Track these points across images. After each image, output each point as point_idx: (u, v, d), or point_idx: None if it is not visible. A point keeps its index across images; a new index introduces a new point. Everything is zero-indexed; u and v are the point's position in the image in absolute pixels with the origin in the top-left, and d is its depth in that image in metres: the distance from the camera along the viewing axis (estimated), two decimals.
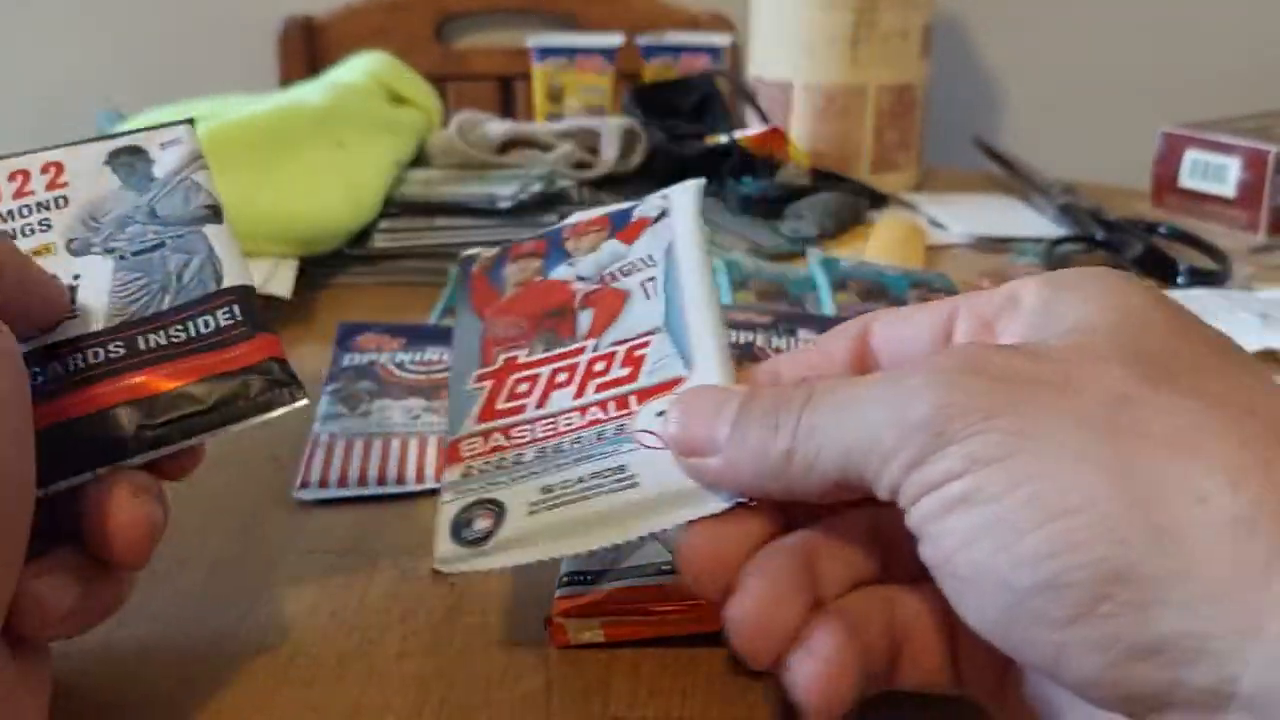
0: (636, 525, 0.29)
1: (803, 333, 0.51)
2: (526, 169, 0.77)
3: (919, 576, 0.28)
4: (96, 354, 0.31)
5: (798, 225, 0.75)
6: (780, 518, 0.29)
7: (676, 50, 1.11)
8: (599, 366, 0.34)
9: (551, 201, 0.71)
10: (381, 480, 0.43)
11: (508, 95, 1.43)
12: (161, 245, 0.34)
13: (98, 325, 0.32)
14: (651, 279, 0.36)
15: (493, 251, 0.40)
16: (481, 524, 0.31)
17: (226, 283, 0.33)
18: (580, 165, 0.82)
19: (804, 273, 0.62)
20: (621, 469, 0.30)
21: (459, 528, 0.31)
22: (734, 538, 0.28)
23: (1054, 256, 0.71)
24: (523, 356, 0.36)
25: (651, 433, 0.31)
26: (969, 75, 1.47)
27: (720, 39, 1.12)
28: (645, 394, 0.32)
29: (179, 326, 0.32)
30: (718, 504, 0.28)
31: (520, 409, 0.34)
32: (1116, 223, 0.76)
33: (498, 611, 0.36)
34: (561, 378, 0.34)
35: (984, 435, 0.23)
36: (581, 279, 0.37)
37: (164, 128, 0.38)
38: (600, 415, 0.32)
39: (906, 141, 0.92)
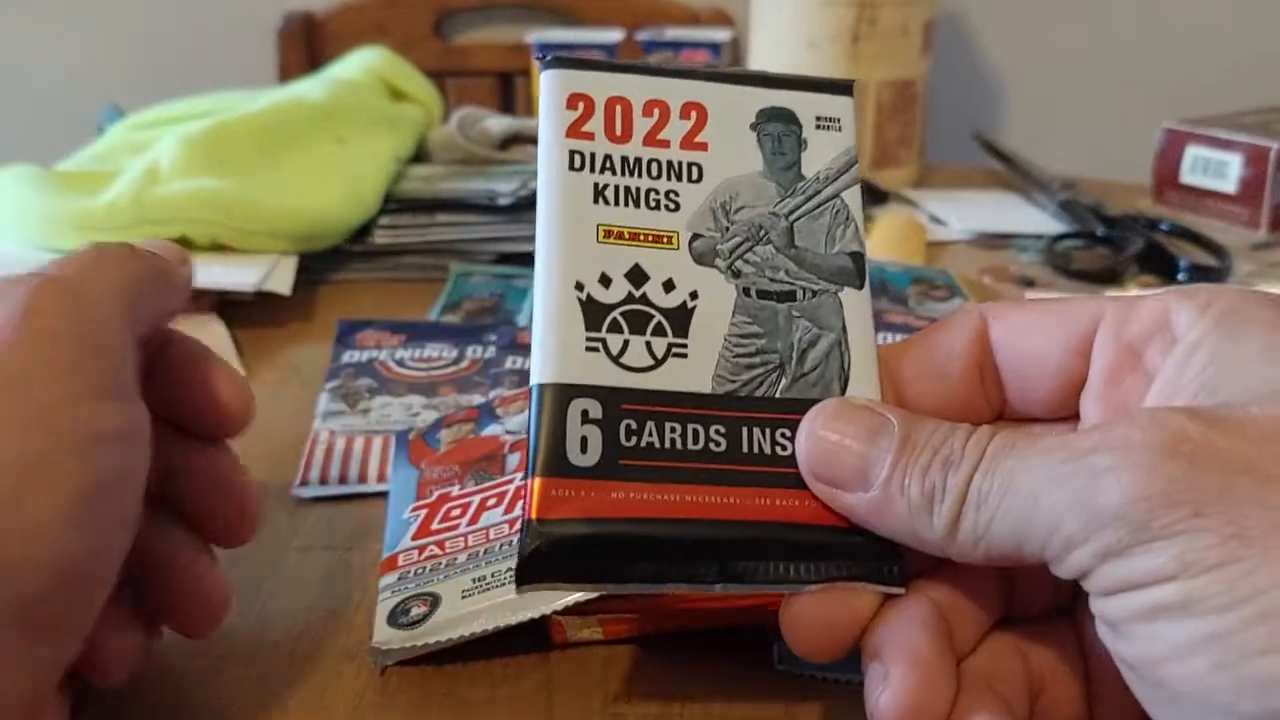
0: (565, 596, 0.30)
1: None
2: (527, 165, 0.77)
3: (1049, 613, 0.27)
4: (696, 436, 0.24)
5: None
6: None
7: (677, 46, 1.11)
8: (523, 492, 0.31)
9: None
10: (382, 478, 0.43)
11: (508, 91, 1.43)
12: (792, 296, 0.27)
13: (703, 384, 0.25)
14: None
15: (426, 424, 0.43)
16: (417, 610, 0.32)
17: (851, 391, 0.26)
18: None
19: None
20: None
21: (395, 615, 0.32)
22: (845, 600, 0.25)
23: (1054, 253, 0.71)
24: (455, 491, 0.37)
25: None
26: (970, 71, 1.47)
27: (721, 34, 1.12)
28: None
29: (787, 431, 0.25)
30: None
31: (454, 526, 0.35)
32: (1117, 219, 0.76)
33: None
34: (491, 502, 0.35)
35: (1194, 535, 0.20)
36: (510, 432, 0.39)
37: (824, 90, 0.29)
38: None
39: (907, 138, 0.92)
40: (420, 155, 0.81)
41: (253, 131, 0.70)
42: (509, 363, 0.49)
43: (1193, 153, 0.80)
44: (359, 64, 0.86)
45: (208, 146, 0.67)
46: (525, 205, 0.69)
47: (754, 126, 0.28)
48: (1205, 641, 0.20)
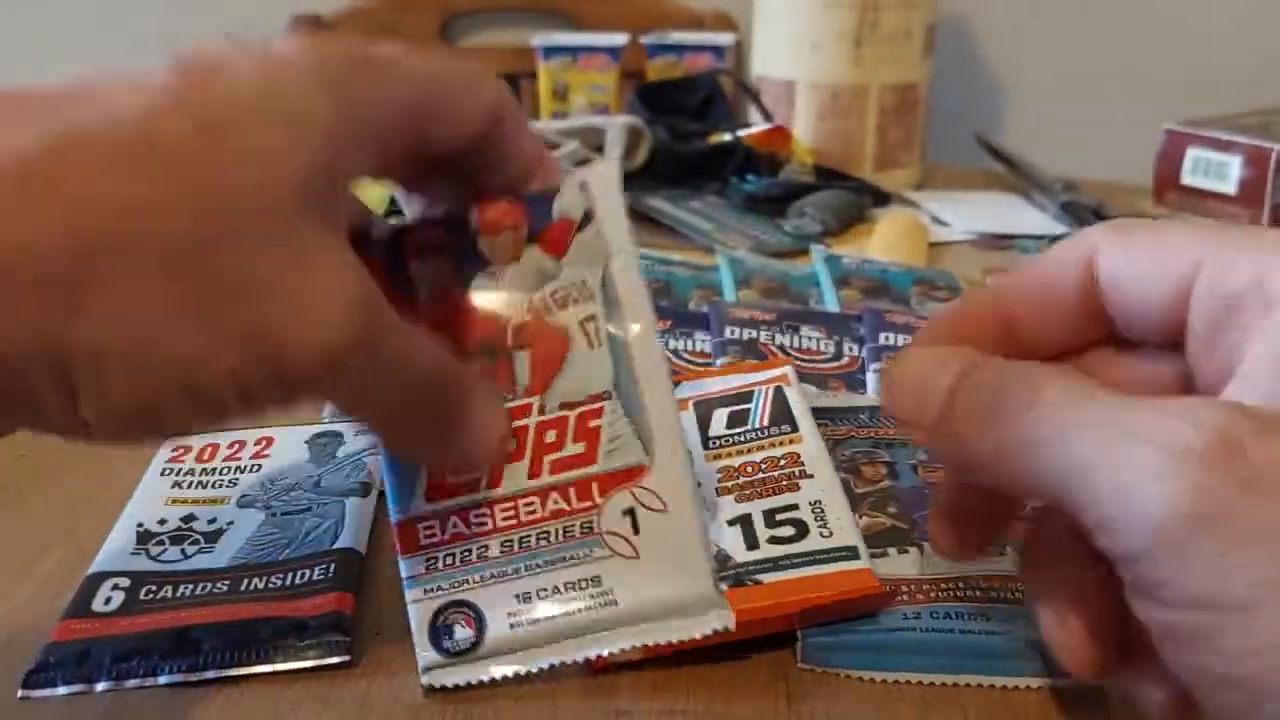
0: (620, 639, 0.30)
1: (806, 330, 0.52)
2: None
3: None
4: (205, 588, 0.35)
5: (801, 223, 0.75)
6: None
7: (680, 49, 1.12)
8: (550, 437, 0.31)
9: None
10: None
11: (513, 93, 1.44)
12: (308, 509, 0.39)
13: (223, 564, 0.37)
14: (592, 318, 0.31)
15: (383, 223, 0.32)
16: (463, 632, 0.31)
17: (337, 545, 0.37)
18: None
19: (807, 270, 0.63)
20: (598, 581, 0.31)
21: (438, 633, 0.31)
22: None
23: None
24: None
25: (622, 537, 0.31)
26: (971, 73, 1.48)
27: (724, 38, 1.13)
28: (607, 483, 0.31)
29: (280, 575, 0.36)
30: (708, 626, 0.30)
31: (475, 485, 0.31)
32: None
33: None
34: (512, 446, 0.31)
35: (1226, 572, 0.19)
36: (509, 301, 0.31)
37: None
38: (563, 505, 0.31)
39: (909, 139, 0.92)
40: None
41: None
42: None
43: (1193, 154, 0.80)
44: None
45: None
46: None
47: (307, 442, 0.44)
48: (1220, 681, 0.20)
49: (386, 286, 0.26)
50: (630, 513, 0.30)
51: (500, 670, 0.31)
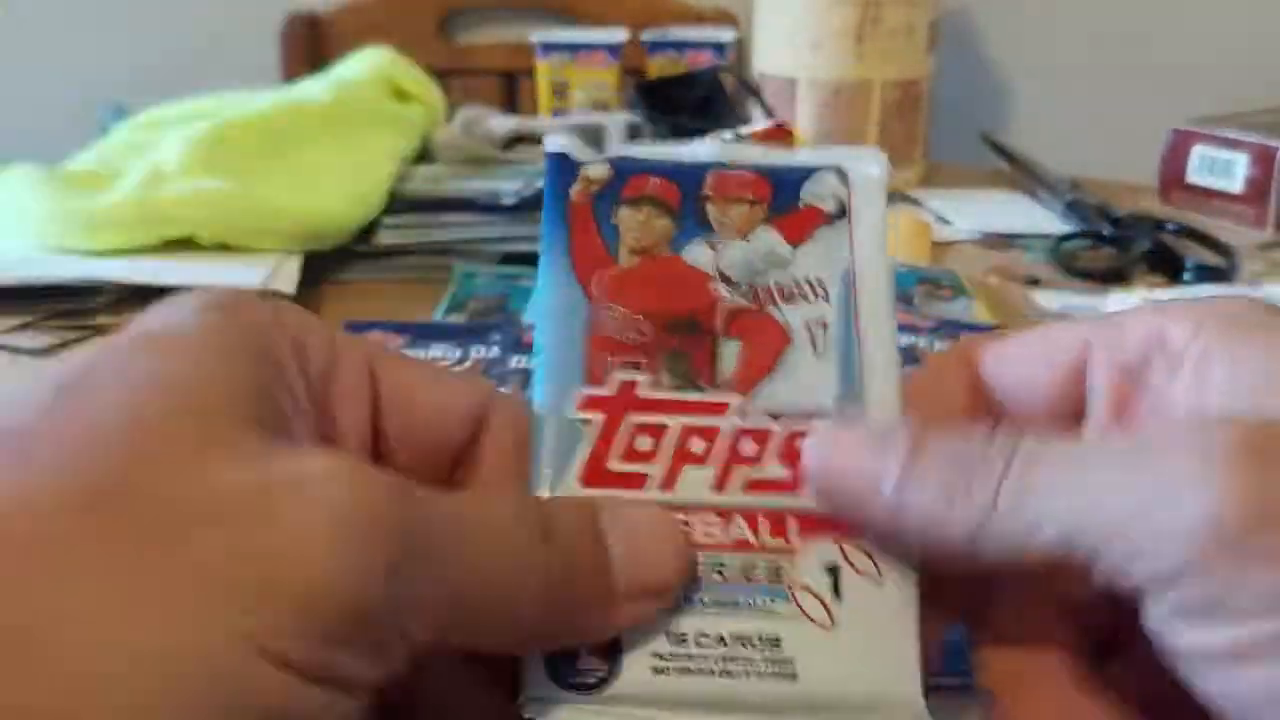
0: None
1: None
2: (531, 165, 0.77)
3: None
4: None
5: None
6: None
7: (681, 46, 1.11)
8: (747, 449, 0.25)
9: None
10: None
11: (512, 90, 1.43)
12: None
13: None
14: (822, 323, 0.26)
15: (603, 168, 0.27)
16: (588, 664, 0.23)
17: None
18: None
19: None
20: (776, 644, 0.24)
21: (557, 658, 0.23)
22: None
23: (1061, 253, 0.71)
24: (645, 386, 0.25)
25: (818, 598, 0.24)
26: (975, 70, 1.47)
27: (725, 34, 1.12)
28: (810, 526, 0.24)
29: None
30: None
31: (639, 480, 0.24)
32: (1124, 219, 0.76)
33: None
34: (697, 447, 0.25)
35: None
36: (726, 279, 0.26)
37: None
38: (749, 538, 0.24)
39: (912, 137, 0.92)
40: (425, 155, 0.81)
41: (256, 132, 0.70)
42: (513, 362, 0.49)
43: (1199, 152, 0.80)
44: (363, 64, 0.86)
45: (211, 147, 0.67)
46: (529, 205, 0.69)
47: None
48: None
49: (591, 229, 0.24)
50: (834, 571, 0.24)
51: None
